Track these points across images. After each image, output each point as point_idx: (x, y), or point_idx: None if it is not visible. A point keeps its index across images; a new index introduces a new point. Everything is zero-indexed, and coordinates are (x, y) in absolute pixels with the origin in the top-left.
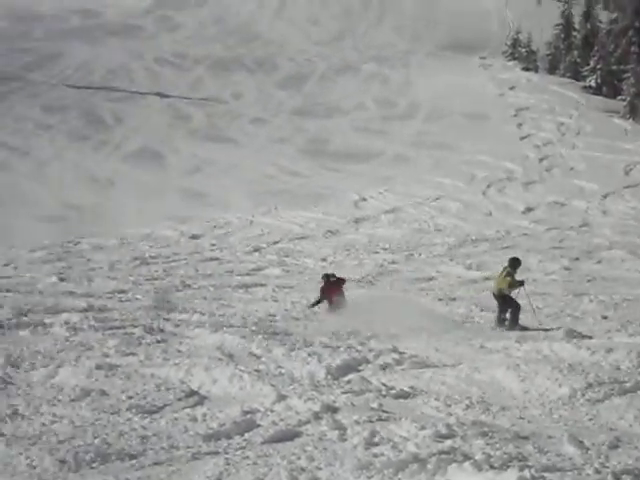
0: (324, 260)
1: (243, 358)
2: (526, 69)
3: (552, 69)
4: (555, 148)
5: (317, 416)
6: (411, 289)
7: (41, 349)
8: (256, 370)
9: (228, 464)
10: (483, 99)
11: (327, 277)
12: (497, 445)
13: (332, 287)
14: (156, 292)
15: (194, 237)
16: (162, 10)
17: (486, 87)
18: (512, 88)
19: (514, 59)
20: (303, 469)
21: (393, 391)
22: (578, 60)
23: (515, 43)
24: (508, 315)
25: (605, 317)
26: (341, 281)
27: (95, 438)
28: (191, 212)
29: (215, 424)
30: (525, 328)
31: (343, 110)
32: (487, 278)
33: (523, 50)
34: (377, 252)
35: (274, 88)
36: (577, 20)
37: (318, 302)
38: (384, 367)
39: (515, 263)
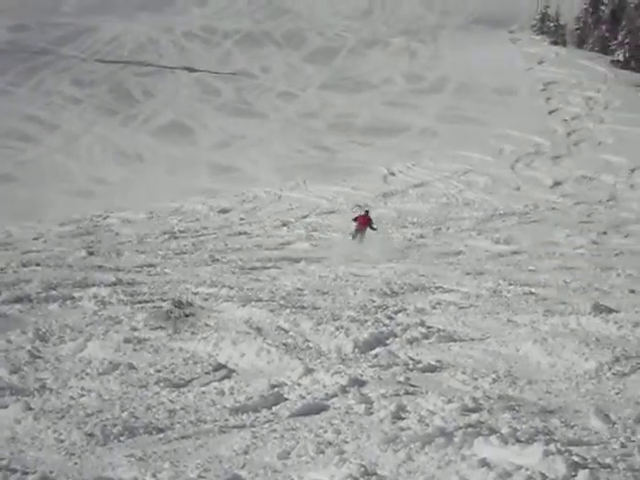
0: (352, 234)
1: (271, 332)
2: (554, 43)
3: (580, 43)
4: (583, 122)
5: (344, 390)
6: (439, 263)
7: (70, 323)
8: (284, 344)
9: (255, 437)
10: (511, 73)
11: (366, 212)
12: (523, 419)
13: (363, 219)
14: None
15: (223, 211)
16: None
17: (515, 61)
18: (540, 62)
19: (542, 33)
20: (330, 442)
21: (420, 365)
22: (606, 34)
23: (544, 17)
24: None
25: (633, 291)
26: (370, 221)
27: (123, 412)
28: (220, 186)
29: (242, 397)
30: None
31: (372, 84)
32: (515, 252)
33: (551, 24)
34: (405, 226)
35: (303, 62)
36: None
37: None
38: (411, 341)
39: None
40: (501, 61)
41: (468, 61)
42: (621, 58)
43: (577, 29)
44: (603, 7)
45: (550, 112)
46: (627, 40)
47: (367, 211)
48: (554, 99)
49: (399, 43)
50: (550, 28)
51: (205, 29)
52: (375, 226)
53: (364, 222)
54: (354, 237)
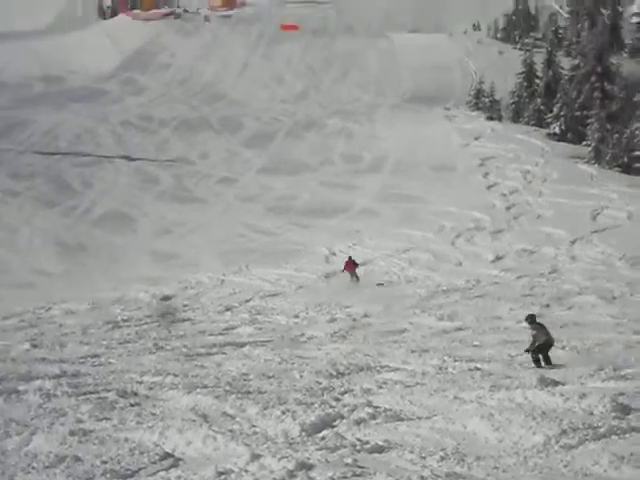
0: (296, 317)
1: (217, 418)
2: (490, 118)
3: (516, 117)
4: (522, 196)
5: (291, 474)
6: (384, 342)
7: (15, 417)
8: (230, 430)
9: None
10: (448, 150)
11: (349, 258)
12: None
13: (350, 264)
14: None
15: (166, 298)
16: (127, 73)
17: (451, 138)
18: (477, 138)
19: (478, 109)
20: None
21: (367, 446)
22: (542, 107)
23: (478, 93)
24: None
25: (578, 363)
26: (355, 263)
27: None
28: (162, 273)
29: None
30: None
31: (310, 166)
32: (459, 328)
33: (487, 100)
34: (349, 306)
35: (240, 147)
36: (539, 67)
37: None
38: (358, 422)
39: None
40: (437, 138)
41: (405, 139)
42: (557, 131)
43: (512, 103)
44: (537, 80)
45: (488, 187)
46: (562, 112)
47: (350, 257)
48: (492, 174)
49: (335, 124)
50: (485, 104)
51: (141, 117)
52: (357, 264)
53: (351, 266)
54: (351, 280)
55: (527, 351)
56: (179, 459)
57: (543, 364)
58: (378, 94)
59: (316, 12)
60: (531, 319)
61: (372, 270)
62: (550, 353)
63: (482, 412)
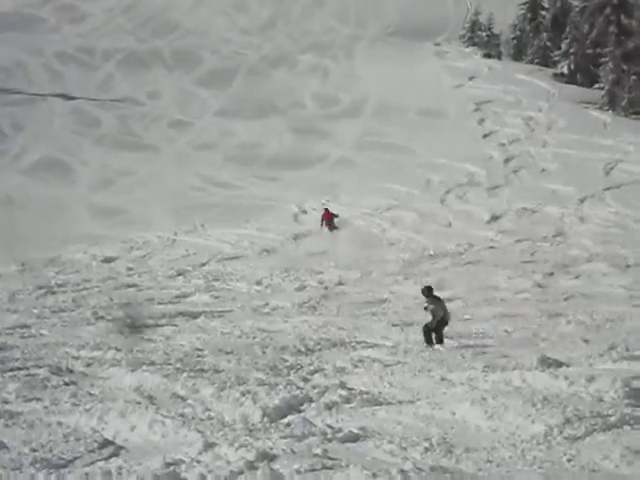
0: (259, 284)
1: (165, 401)
2: (487, 56)
3: (518, 55)
4: (523, 146)
5: (251, 466)
6: (361, 314)
7: None
8: (180, 414)
9: None
10: (438, 92)
11: (326, 209)
12: None
13: (327, 215)
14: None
15: (107, 260)
16: None
17: (442, 78)
18: (472, 78)
19: (473, 44)
20: None
21: (340, 434)
22: (548, 44)
23: (474, 26)
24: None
25: (585, 340)
26: (333, 214)
27: None
28: (103, 232)
29: (133, 478)
30: None
31: (278, 109)
32: (449, 299)
33: (484, 34)
34: (321, 272)
35: (196, 86)
36: None
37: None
38: (330, 406)
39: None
40: (426, 78)
41: (388, 79)
42: (565, 71)
43: (513, 39)
44: (543, 12)
45: (484, 136)
46: (572, 50)
47: (326, 208)
48: (488, 120)
49: (308, 60)
50: (482, 38)
51: (81, 49)
52: (336, 214)
53: (329, 217)
54: (331, 230)
55: (428, 328)
56: (121, 447)
57: (435, 343)
58: (358, 25)
59: None
60: (428, 292)
61: (348, 231)
62: (557, 331)
63: (473, 396)
